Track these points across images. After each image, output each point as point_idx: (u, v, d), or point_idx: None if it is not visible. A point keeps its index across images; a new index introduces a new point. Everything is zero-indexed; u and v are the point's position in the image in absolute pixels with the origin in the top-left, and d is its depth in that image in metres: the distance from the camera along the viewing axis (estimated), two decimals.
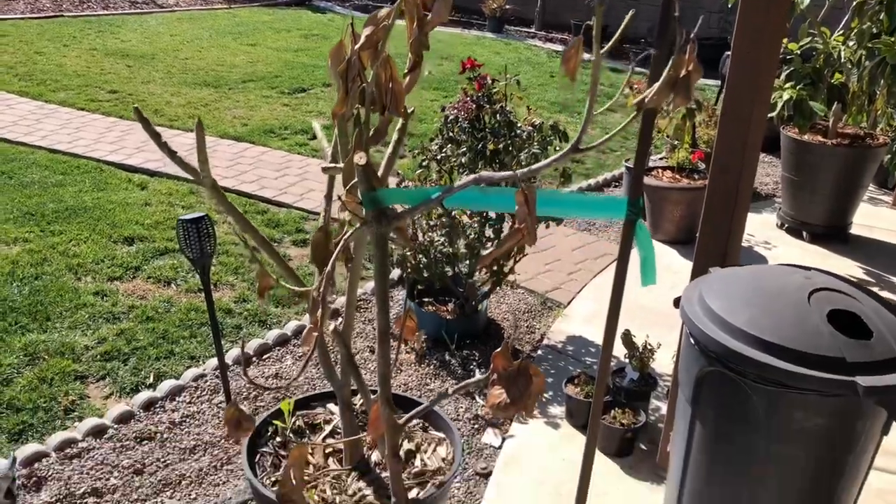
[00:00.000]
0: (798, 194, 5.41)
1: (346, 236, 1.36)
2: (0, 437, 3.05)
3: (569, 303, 4.43)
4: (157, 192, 5.47)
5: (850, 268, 4.99)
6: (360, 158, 1.30)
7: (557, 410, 3.44)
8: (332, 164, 1.91)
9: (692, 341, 2.39)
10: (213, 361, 3.60)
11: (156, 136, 2.18)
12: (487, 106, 3.63)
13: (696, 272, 2.74)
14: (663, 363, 3.50)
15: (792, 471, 2.29)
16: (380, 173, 1.69)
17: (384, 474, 2.47)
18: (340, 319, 2.14)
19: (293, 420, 2.65)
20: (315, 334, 1.35)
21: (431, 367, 3.76)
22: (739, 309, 2.29)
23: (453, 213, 3.68)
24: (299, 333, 3.94)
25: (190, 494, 2.88)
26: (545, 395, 3.57)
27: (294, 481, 1.56)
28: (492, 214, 3.74)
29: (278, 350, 3.81)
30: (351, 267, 1.91)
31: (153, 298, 4.10)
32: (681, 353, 2.56)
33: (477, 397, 3.54)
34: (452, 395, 1.50)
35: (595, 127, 7.82)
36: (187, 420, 3.25)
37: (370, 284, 4.44)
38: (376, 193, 1.33)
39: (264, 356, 3.76)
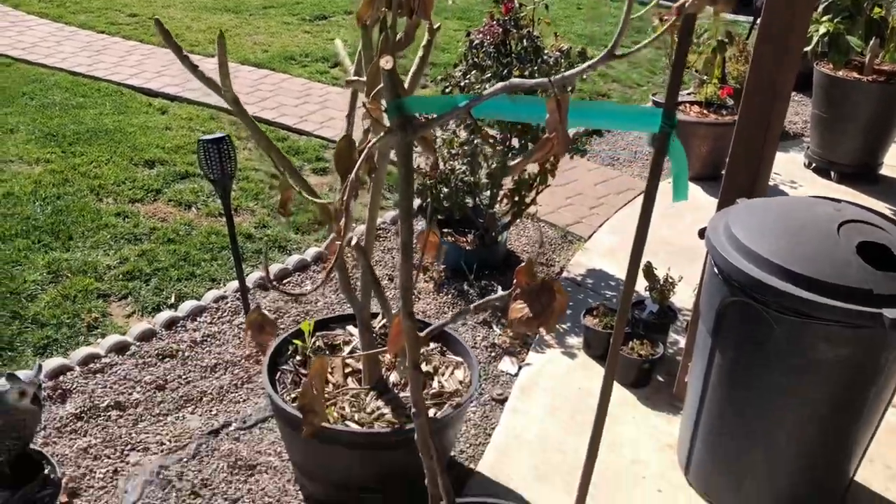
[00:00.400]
0: (828, 133, 5.28)
1: (370, 145, 1.33)
2: (26, 350, 3.11)
3: (589, 237, 4.40)
4: (178, 116, 5.44)
5: (878, 209, 4.89)
6: (386, 63, 1.26)
7: (575, 341, 3.45)
8: (356, 78, 1.87)
9: (716, 271, 2.36)
10: (234, 284, 3.62)
11: (177, 50, 2.13)
12: (514, 31, 3.53)
13: (723, 204, 2.69)
14: (683, 297, 3.48)
15: (812, 402, 2.29)
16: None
17: (402, 394, 2.50)
18: (362, 235, 2.12)
19: (313, 340, 2.67)
20: (338, 243, 1.33)
21: (449, 296, 3.76)
22: (766, 239, 2.25)
23: (476, 141, 3.63)
24: (319, 260, 3.95)
25: (211, 411, 2.93)
26: (563, 325, 3.57)
27: (315, 392, 1.57)
28: (514, 143, 3.68)
29: (298, 275, 3.82)
30: (374, 178, 1.89)
31: (174, 221, 4.11)
32: (704, 282, 2.54)
33: (494, 326, 3.55)
34: (475, 311, 1.50)
35: (621, 62, 7.63)
36: (208, 339, 3.29)
37: (389, 213, 4.42)
38: (402, 100, 1.29)
39: (284, 281, 3.77)
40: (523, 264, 1.42)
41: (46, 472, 2.06)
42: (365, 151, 1.35)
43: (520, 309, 1.40)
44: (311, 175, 4.88)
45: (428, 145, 1.38)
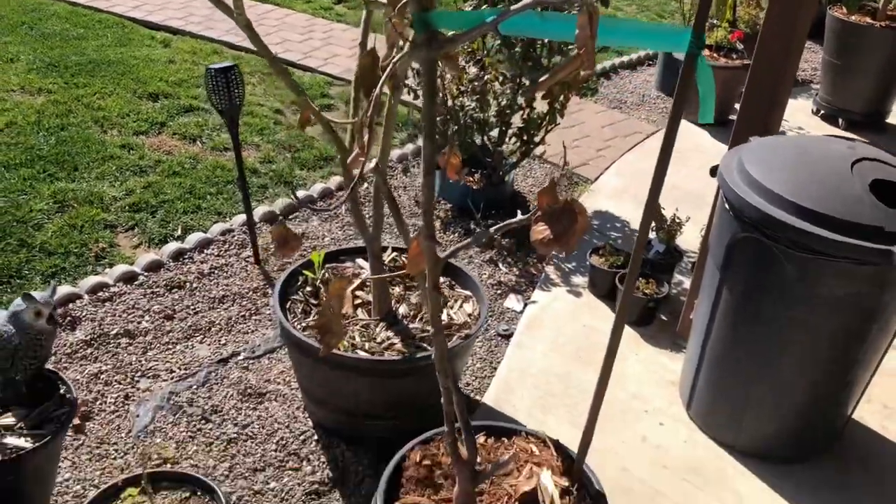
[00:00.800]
0: (838, 79, 5.23)
1: (395, 60, 1.32)
2: (34, 278, 3.12)
3: (596, 178, 4.39)
4: (181, 50, 5.36)
5: None
6: None
7: (580, 280, 3.47)
8: None
9: (727, 207, 2.37)
10: (240, 218, 3.62)
11: None
12: None
13: (736, 143, 2.68)
14: (688, 238, 3.49)
15: (818, 338, 2.31)
16: None
17: (412, 325, 2.52)
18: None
19: (322, 272, 2.68)
20: (362, 159, 1.33)
21: (456, 234, 3.77)
22: (779, 175, 2.25)
23: (486, 77, 3.59)
24: (325, 196, 3.94)
25: (220, 340, 2.96)
26: (568, 265, 3.58)
27: (334, 312, 1.58)
28: (525, 81, 3.64)
29: (305, 211, 3.81)
30: (391, 102, 1.86)
31: (179, 154, 4.08)
32: (714, 219, 2.55)
33: (499, 264, 3.57)
34: (494, 234, 1.50)
35: (631, 4, 7.52)
36: (216, 271, 3.30)
37: (395, 152, 4.39)
38: (428, 14, 1.27)
39: (290, 216, 3.77)
40: (546, 186, 1.42)
41: (62, 391, 2.09)
42: (389, 67, 1.34)
43: (541, 230, 1.40)
44: None
45: (452, 63, 1.36)
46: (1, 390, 2.03)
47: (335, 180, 4.05)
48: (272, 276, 3.31)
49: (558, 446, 1.86)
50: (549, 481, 1.72)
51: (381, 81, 1.32)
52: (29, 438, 1.95)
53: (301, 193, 3.90)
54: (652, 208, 1.69)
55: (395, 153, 4.38)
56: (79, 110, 4.34)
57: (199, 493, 1.94)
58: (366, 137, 1.31)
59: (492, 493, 1.74)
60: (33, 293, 1.99)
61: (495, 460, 1.75)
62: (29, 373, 2.04)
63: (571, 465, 1.79)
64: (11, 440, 1.93)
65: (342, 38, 5.92)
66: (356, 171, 1.37)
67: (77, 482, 2.34)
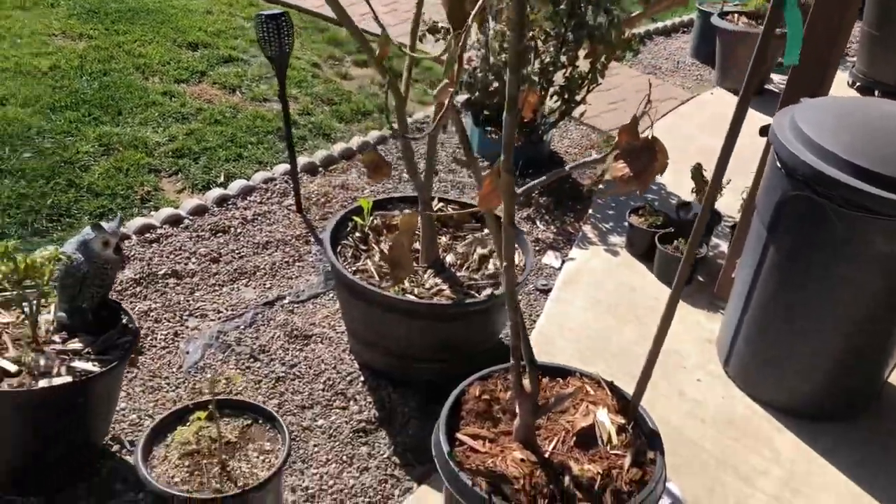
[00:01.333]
0: (876, 50, 5.18)
1: None
2: (83, 217, 3.18)
3: None
4: (218, 1, 5.36)
5: None
6: None
7: (617, 240, 3.50)
8: None
9: (779, 165, 2.38)
10: (281, 167, 3.66)
11: None
12: None
13: (786, 102, 2.69)
14: (726, 203, 3.51)
15: (864, 296, 2.34)
16: None
17: (459, 273, 2.56)
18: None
19: (371, 219, 2.72)
20: (451, 89, 1.36)
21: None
22: (834, 134, 2.27)
23: (530, 34, 3.59)
24: (365, 148, 3.96)
25: (265, 284, 3.02)
26: (605, 224, 3.61)
27: (404, 246, 1.63)
28: (570, 36, 3.63)
29: (344, 163, 3.84)
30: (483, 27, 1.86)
31: (219, 103, 4.11)
32: (764, 177, 2.56)
33: (537, 222, 3.60)
34: (570, 171, 1.53)
35: None
36: (259, 218, 3.35)
37: (431, 109, 4.40)
38: None
39: (330, 167, 3.80)
40: (626, 124, 1.45)
41: (124, 321, 2.14)
42: (479, 3, 1.36)
43: (621, 168, 1.44)
44: (352, 67, 4.84)
45: None
46: (68, 317, 2.09)
47: (373, 135, 4.08)
48: (314, 224, 3.36)
49: (613, 387, 1.90)
50: (606, 418, 1.77)
51: (472, 14, 1.34)
52: (96, 363, 2.01)
53: (339, 146, 3.92)
54: (718, 181, 1.74)
55: (430, 110, 4.39)
56: (120, 56, 4.37)
57: (260, 421, 2.00)
58: (454, 69, 1.34)
59: (549, 428, 1.79)
60: (102, 223, 2.04)
61: (555, 395, 1.80)
62: (95, 301, 2.10)
63: (626, 405, 1.84)
64: (80, 364, 2.00)
65: None
66: (444, 102, 1.40)
67: (133, 412, 2.41)
